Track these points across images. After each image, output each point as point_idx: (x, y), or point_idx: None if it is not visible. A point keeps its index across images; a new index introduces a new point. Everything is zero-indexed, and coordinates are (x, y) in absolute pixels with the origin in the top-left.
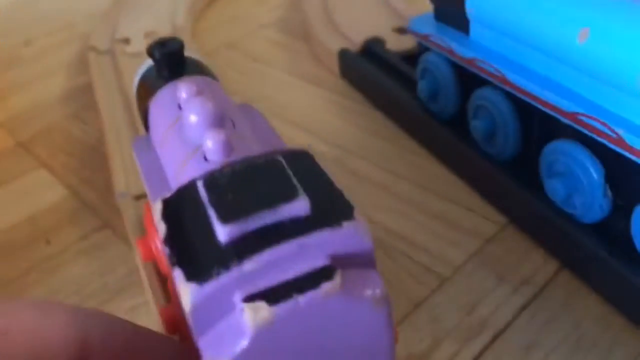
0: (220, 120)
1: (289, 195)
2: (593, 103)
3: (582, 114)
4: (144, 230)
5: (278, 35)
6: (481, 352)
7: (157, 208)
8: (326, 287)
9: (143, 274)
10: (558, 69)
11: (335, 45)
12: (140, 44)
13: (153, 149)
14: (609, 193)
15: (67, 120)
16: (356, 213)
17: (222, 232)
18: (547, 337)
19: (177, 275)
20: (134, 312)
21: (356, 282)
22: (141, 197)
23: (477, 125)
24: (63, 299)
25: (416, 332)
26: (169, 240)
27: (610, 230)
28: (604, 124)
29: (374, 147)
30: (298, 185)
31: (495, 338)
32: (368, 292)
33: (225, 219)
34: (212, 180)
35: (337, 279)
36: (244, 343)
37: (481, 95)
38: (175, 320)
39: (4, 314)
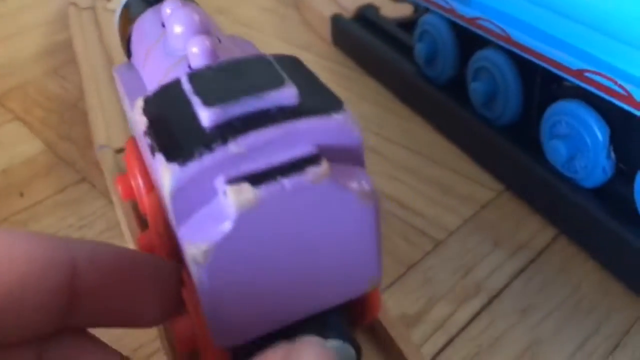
0: (205, 30)
1: (276, 84)
2: (601, 60)
3: (589, 71)
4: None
5: (268, 2)
6: (477, 314)
7: (137, 105)
8: (312, 172)
9: (123, 220)
10: (564, 25)
11: (327, 11)
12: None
13: (135, 72)
14: (613, 155)
15: (44, 77)
16: (346, 106)
17: (206, 116)
18: (544, 301)
19: (158, 159)
20: None
21: (343, 174)
22: (121, 150)
23: (476, 88)
24: None
25: (410, 294)
26: (150, 130)
27: (611, 195)
28: (612, 80)
29: (366, 113)
30: (286, 76)
31: (491, 301)
32: (354, 185)
33: (209, 103)
34: (196, 74)
35: (324, 165)
36: (226, 227)
37: (482, 57)
38: (152, 248)
39: None
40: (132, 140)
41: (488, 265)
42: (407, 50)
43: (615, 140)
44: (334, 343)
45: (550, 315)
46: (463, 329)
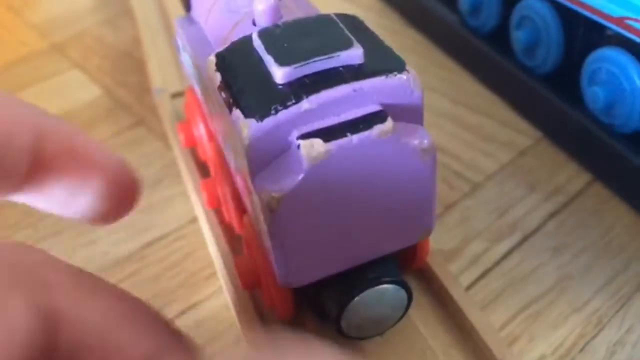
0: None
1: (343, 44)
2: None
3: (630, 18)
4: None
5: None
6: (510, 251)
7: (210, 61)
8: (379, 128)
9: (181, 163)
10: None
11: None
12: None
13: (197, 26)
14: None
15: (100, 27)
16: (408, 67)
17: (280, 74)
18: (576, 241)
19: (235, 115)
20: (171, 200)
21: (405, 131)
22: (178, 95)
23: (519, 37)
24: None
25: (447, 232)
26: (225, 86)
27: None
28: None
29: (409, 63)
30: (351, 37)
31: (524, 239)
32: (415, 141)
33: (282, 62)
34: (266, 32)
35: (389, 123)
36: (298, 177)
37: (526, 5)
38: (215, 193)
39: None
40: (192, 90)
41: (523, 207)
42: (450, 1)
43: None
44: (388, 287)
45: (582, 253)
46: (497, 264)
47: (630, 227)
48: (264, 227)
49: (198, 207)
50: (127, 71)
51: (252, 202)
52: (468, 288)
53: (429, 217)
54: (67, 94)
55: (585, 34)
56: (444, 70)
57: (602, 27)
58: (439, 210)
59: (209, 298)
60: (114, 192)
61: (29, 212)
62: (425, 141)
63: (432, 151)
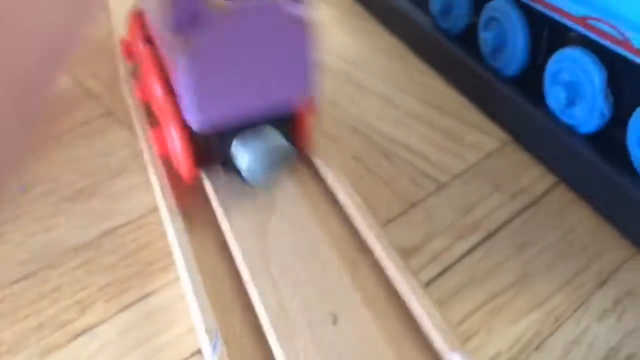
0: None
1: None
2: (604, 7)
3: (592, 18)
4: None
5: None
6: (472, 249)
7: None
8: None
9: (146, 151)
10: None
11: None
12: None
13: None
14: (610, 97)
15: None
16: None
17: None
18: (538, 240)
19: None
20: (134, 190)
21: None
22: None
23: (486, 38)
24: (61, 175)
25: (409, 229)
26: None
27: (607, 142)
28: (612, 26)
29: (382, 64)
30: None
31: (487, 237)
32: (291, 9)
33: None
34: None
35: None
36: (205, 24)
37: (493, 7)
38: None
39: None
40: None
41: (487, 206)
42: (422, 2)
43: (612, 85)
44: (281, 140)
45: (544, 252)
46: (458, 261)
47: (592, 229)
48: (179, 73)
49: (157, 190)
50: (99, 63)
51: (173, 57)
52: (427, 284)
53: (303, 81)
54: None
55: (549, 36)
56: (417, 73)
57: (566, 29)
58: (403, 207)
59: (163, 288)
60: None
61: None
62: (298, 10)
63: (304, 20)
